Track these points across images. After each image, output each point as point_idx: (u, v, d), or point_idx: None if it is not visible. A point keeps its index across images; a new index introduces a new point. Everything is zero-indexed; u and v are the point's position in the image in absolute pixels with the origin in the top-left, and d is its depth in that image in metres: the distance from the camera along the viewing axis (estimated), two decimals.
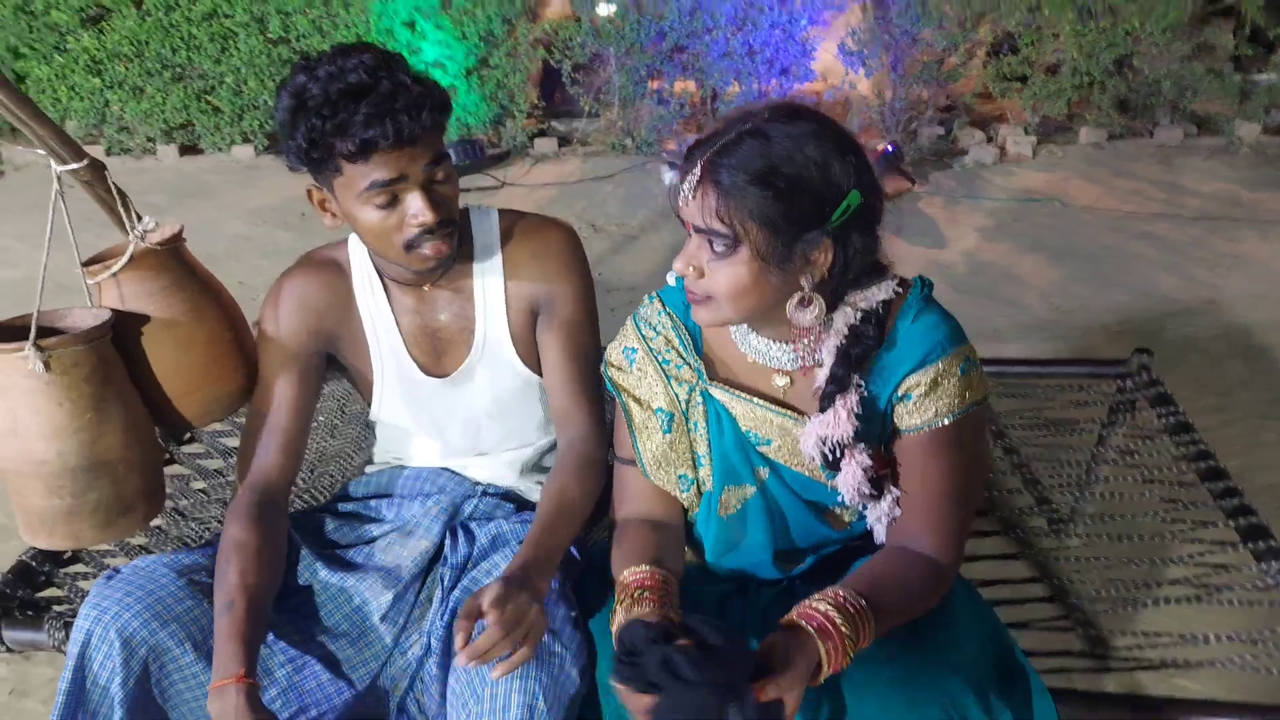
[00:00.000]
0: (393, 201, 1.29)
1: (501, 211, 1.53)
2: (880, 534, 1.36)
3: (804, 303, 1.22)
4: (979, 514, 1.94)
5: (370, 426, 1.68)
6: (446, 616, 1.39)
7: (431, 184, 1.31)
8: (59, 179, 1.35)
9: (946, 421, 1.26)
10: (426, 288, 1.49)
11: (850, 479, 1.31)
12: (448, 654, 1.35)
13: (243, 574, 1.30)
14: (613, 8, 5.85)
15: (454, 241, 1.37)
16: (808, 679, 1.09)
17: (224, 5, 5.94)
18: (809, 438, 1.30)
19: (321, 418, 2.35)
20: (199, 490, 2.03)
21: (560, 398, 1.51)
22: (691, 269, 1.22)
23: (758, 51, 5.87)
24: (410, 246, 1.33)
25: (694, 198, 1.17)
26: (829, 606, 1.15)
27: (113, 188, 1.41)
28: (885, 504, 1.33)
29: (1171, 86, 6.01)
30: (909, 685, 1.20)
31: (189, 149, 6.57)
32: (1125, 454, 2.07)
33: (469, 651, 1.14)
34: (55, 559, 1.73)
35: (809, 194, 1.15)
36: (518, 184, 5.77)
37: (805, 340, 1.29)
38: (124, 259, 1.42)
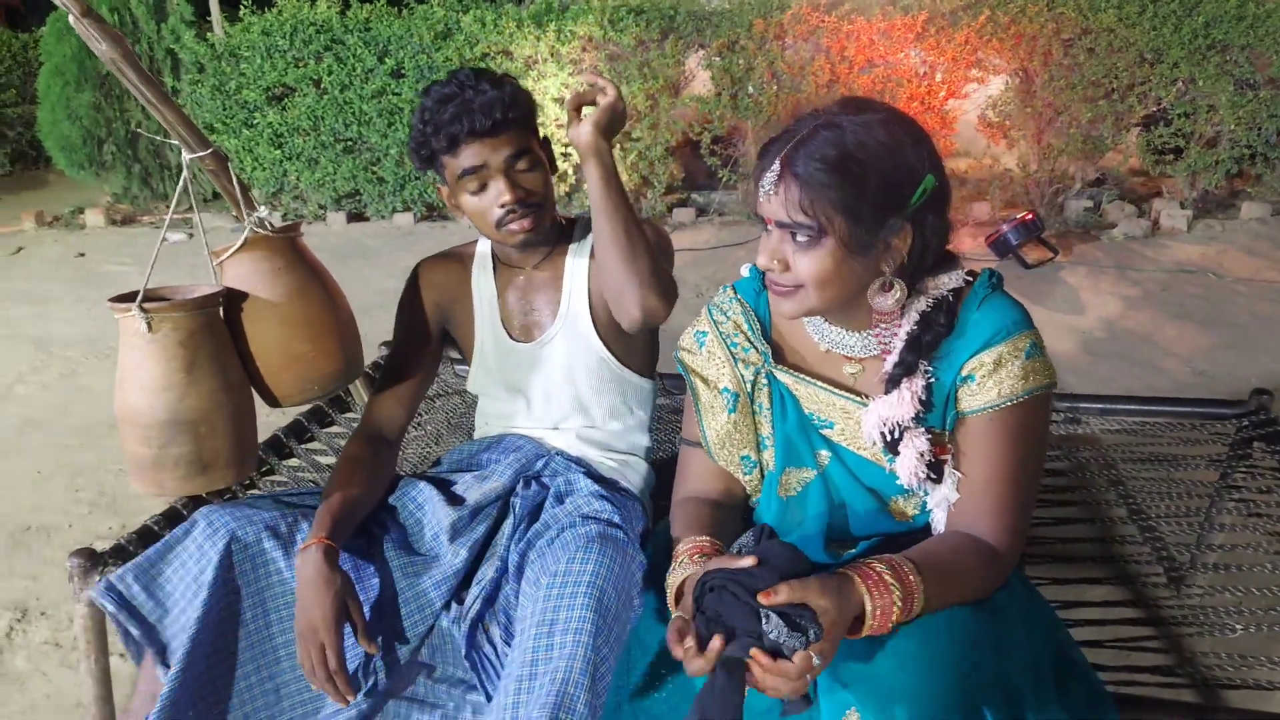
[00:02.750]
0: (483, 187, 1.56)
1: None
2: (940, 521, 1.35)
3: (885, 288, 1.25)
4: (1087, 560, 1.86)
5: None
6: (522, 545, 1.52)
7: (513, 171, 1.56)
8: (187, 166, 1.52)
9: (1009, 404, 1.26)
10: (529, 268, 1.72)
11: (908, 461, 1.31)
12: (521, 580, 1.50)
13: (346, 478, 1.57)
14: (750, 86, 6.02)
15: (539, 222, 1.60)
16: (843, 617, 1.09)
17: (392, 84, 6.45)
18: (871, 417, 1.31)
19: (429, 427, 2.49)
20: (309, 481, 2.18)
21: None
22: (776, 263, 1.25)
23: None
24: (500, 224, 1.58)
25: (775, 193, 1.21)
26: (878, 563, 1.15)
27: (235, 179, 1.59)
28: (945, 488, 1.32)
29: None
30: (955, 663, 1.17)
31: (356, 216, 7.09)
32: (1231, 487, 1.96)
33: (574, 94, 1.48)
34: (173, 523, 1.89)
35: (886, 179, 1.18)
36: None
37: (882, 326, 1.31)
38: (239, 242, 1.59)
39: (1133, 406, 2.30)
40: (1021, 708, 1.18)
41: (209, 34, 7.06)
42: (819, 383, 1.38)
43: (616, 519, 1.49)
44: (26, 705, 2.22)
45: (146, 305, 1.50)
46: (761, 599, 1.06)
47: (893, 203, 1.19)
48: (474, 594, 1.51)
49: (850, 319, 1.34)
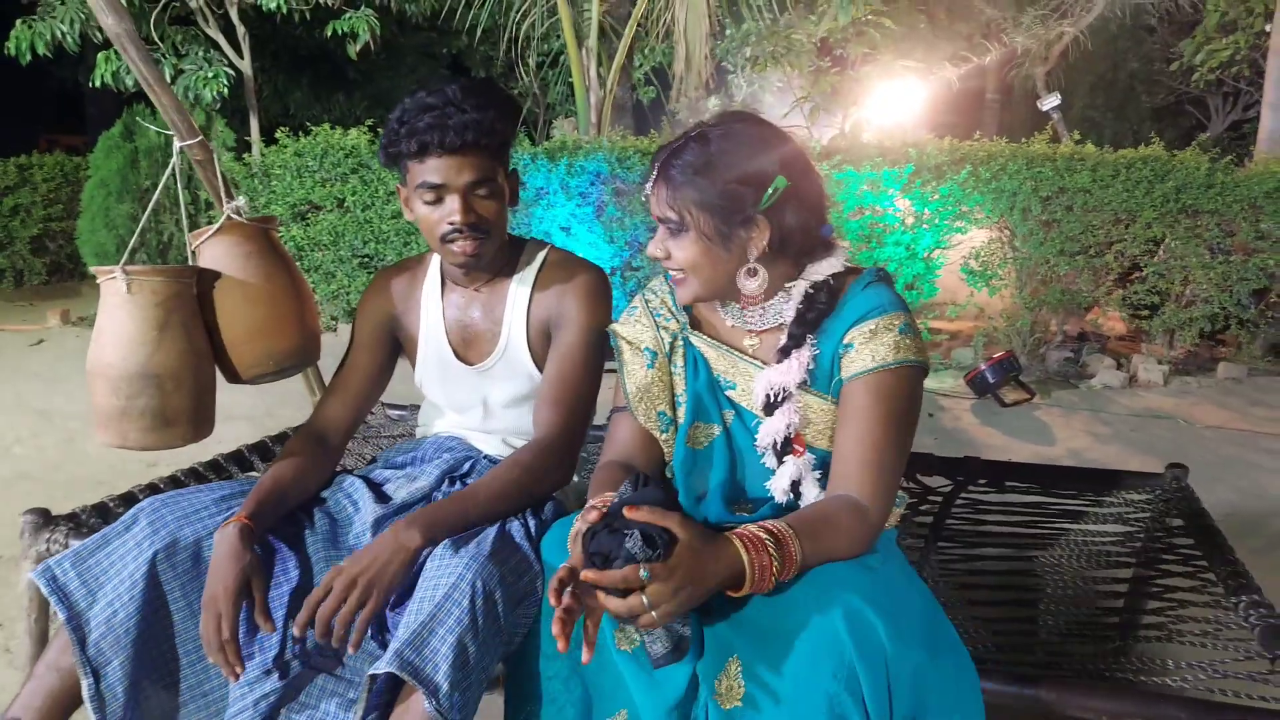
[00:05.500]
0: (438, 200, 1.63)
1: (554, 247, 1.86)
2: (809, 494, 1.49)
3: (749, 274, 1.48)
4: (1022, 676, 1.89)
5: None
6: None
7: (471, 195, 1.63)
8: (178, 153, 1.74)
9: (881, 369, 1.43)
10: (474, 289, 1.80)
11: (775, 423, 1.50)
12: None
13: (278, 472, 1.64)
14: None
15: (484, 248, 1.68)
16: (700, 559, 1.22)
17: None
18: (761, 381, 1.51)
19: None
20: None
21: (541, 406, 1.75)
22: (659, 250, 1.50)
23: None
24: (445, 239, 1.65)
25: (652, 194, 1.49)
26: (757, 528, 1.30)
27: (219, 170, 1.80)
28: (791, 464, 1.49)
29: None
30: (821, 605, 1.28)
31: None
32: (1148, 553, 2.04)
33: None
34: (129, 504, 2.01)
35: (736, 180, 1.43)
36: None
37: (755, 307, 1.53)
38: (216, 226, 1.79)
39: (1050, 477, 2.41)
40: (883, 651, 1.28)
41: (246, 155, 7.55)
42: (726, 346, 1.56)
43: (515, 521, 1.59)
44: None
45: (128, 269, 1.69)
46: (626, 511, 1.22)
47: (744, 200, 1.43)
48: None
49: (739, 299, 1.54)
